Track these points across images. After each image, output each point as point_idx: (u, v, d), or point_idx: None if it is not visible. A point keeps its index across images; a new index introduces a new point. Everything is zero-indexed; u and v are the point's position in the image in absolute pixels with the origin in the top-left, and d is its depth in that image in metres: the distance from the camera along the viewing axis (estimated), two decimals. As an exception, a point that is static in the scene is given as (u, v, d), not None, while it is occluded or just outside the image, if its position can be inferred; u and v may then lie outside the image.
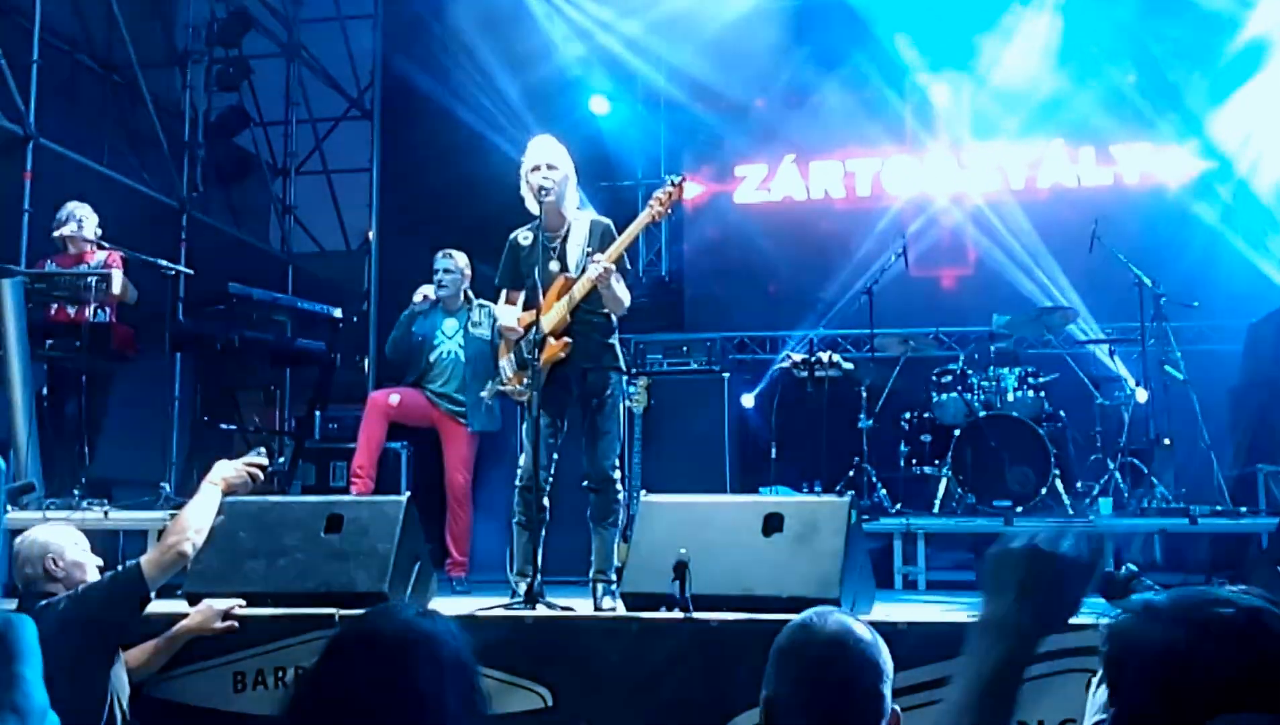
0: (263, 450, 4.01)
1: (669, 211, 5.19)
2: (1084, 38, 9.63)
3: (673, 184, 5.14)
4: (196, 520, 3.74)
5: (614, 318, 5.22)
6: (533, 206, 5.19)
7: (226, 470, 3.86)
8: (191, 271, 7.73)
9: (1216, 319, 8.82)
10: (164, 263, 6.87)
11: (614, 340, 5.24)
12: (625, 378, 5.37)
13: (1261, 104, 9.31)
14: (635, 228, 5.16)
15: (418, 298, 6.76)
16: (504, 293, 5.38)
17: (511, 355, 5.26)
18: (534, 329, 5.01)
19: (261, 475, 3.89)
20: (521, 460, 5.10)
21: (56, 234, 6.74)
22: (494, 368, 5.56)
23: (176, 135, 10.34)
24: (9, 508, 4.92)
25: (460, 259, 6.76)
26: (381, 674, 1.67)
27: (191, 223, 10.12)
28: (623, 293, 5.14)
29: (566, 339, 5.06)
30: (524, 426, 5.15)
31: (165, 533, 3.82)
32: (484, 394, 5.68)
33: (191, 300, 8.32)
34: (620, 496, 5.20)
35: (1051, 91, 10.01)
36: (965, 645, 1.72)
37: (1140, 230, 9.13)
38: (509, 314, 5.29)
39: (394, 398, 6.68)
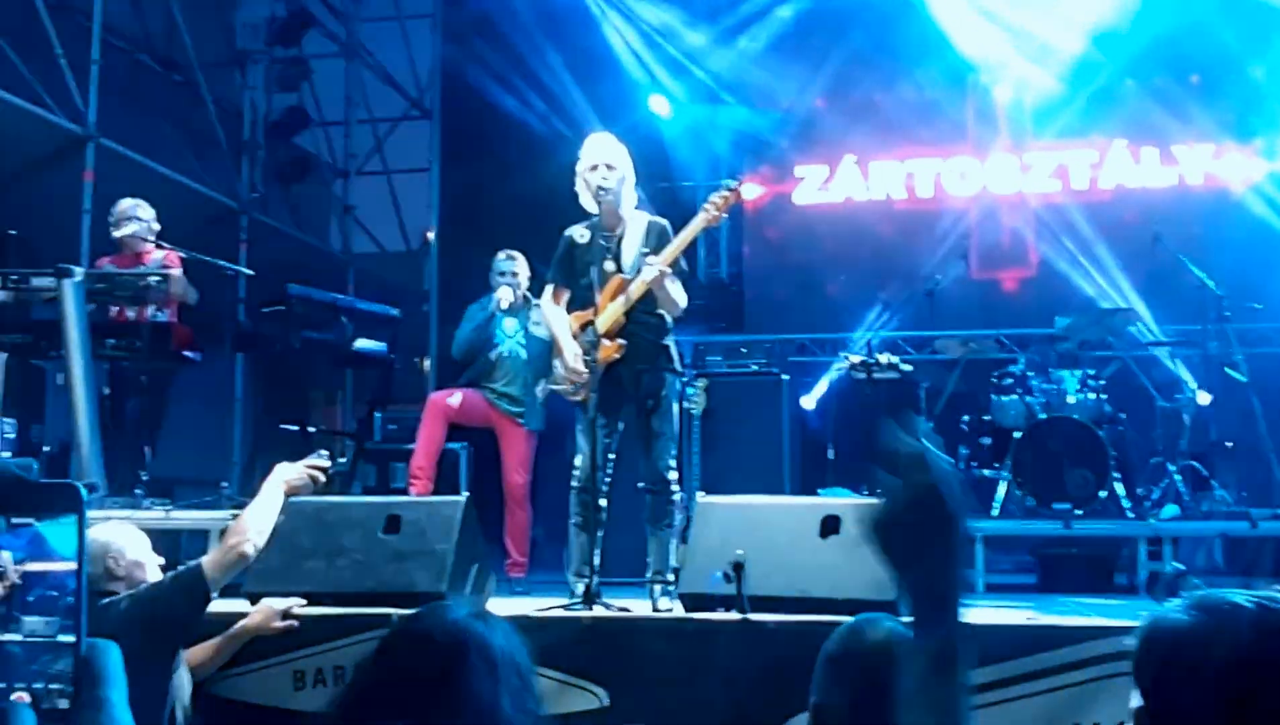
0: (324, 453, 4.02)
1: (725, 215, 5.15)
2: (1148, 37, 9.45)
3: (729, 188, 5.11)
4: (258, 522, 3.76)
5: (669, 319, 5.20)
6: (589, 205, 5.17)
7: (288, 472, 3.88)
8: (252, 272, 7.81)
9: (1279, 321, 8.63)
10: (224, 263, 6.95)
11: (669, 341, 5.22)
12: (680, 379, 5.33)
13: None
14: (691, 230, 5.13)
15: (503, 303, 6.69)
16: (550, 288, 5.36)
17: (569, 355, 5.24)
18: (589, 329, 5.00)
19: (323, 477, 3.91)
20: (578, 461, 5.08)
21: (116, 234, 6.83)
22: (549, 367, 5.56)
23: (236, 135, 10.47)
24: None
25: (521, 260, 6.77)
26: (433, 673, 1.66)
27: (252, 223, 10.24)
28: (678, 295, 5.11)
29: (621, 341, 5.04)
30: (579, 427, 5.14)
31: (227, 534, 3.85)
32: (537, 392, 5.68)
33: (252, 301, 8.41)
34: (677, 498, 5.17)
35: (1114, 91, 9.87)
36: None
37: (1203, 232, 8.98)
38: (559, 315, 5.27)
39: (454, 399, 6.68)
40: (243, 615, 4.18)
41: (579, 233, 5.26)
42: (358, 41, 11.83)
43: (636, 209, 5.32)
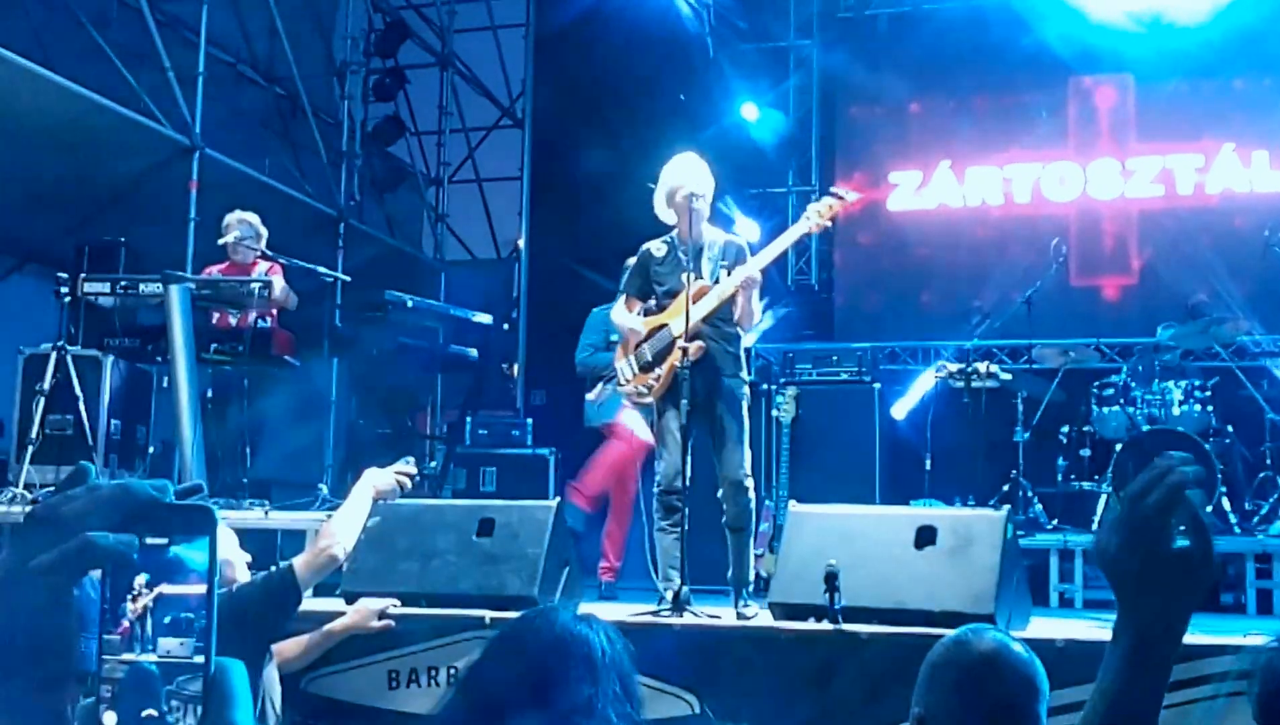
0: (411, 459, 4.05)
1: (829, 224, 5.14)
2: (1256, 37, 9.15)
3: (837, 197, 5.10)
4: (346, 525, 3.80)
5: (741, 330, 5.20)
6: (667, 218, 5.26)
7: (376, 478, 3.92)
8: (349, 278, 7.94)
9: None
10: (322, 270, 7.08)
11: (740, 351, 5.24)
12: (745, 385, 5.31)
13: None
14: (789, 238, 5.14)
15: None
16: (623, 298, 5.39)
17: (633, 357, 5.24)
18: (663, 331, 5.04)
19: (409, 483, 3.94)
20: (659, 466, 5.09)
21: (222, 242, 7.00)
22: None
23: (335, 145, 10.68)
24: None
25: None
26: (537, 675, 1.67)
27: (348, 230, 10.43)
28: (757, 307, 5.16)
29: (700, 343, 5.04)
30: (660, 432, 5.14)
31: (318, 537, 3.90)
32: (590, 397, 5.66)
33: (348, 307, 8.56)
34: (753, 503, 5.15)
35: (1222, 93, 9.58)
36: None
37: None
38: (632, 319, 5.29)
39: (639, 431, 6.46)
40: (339, 614, 4.24)
41: (656, 246, 5.31)
42: (452, 52, 12.00)
43: (713, 223, 5.34)
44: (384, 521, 4.37)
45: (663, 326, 5.13)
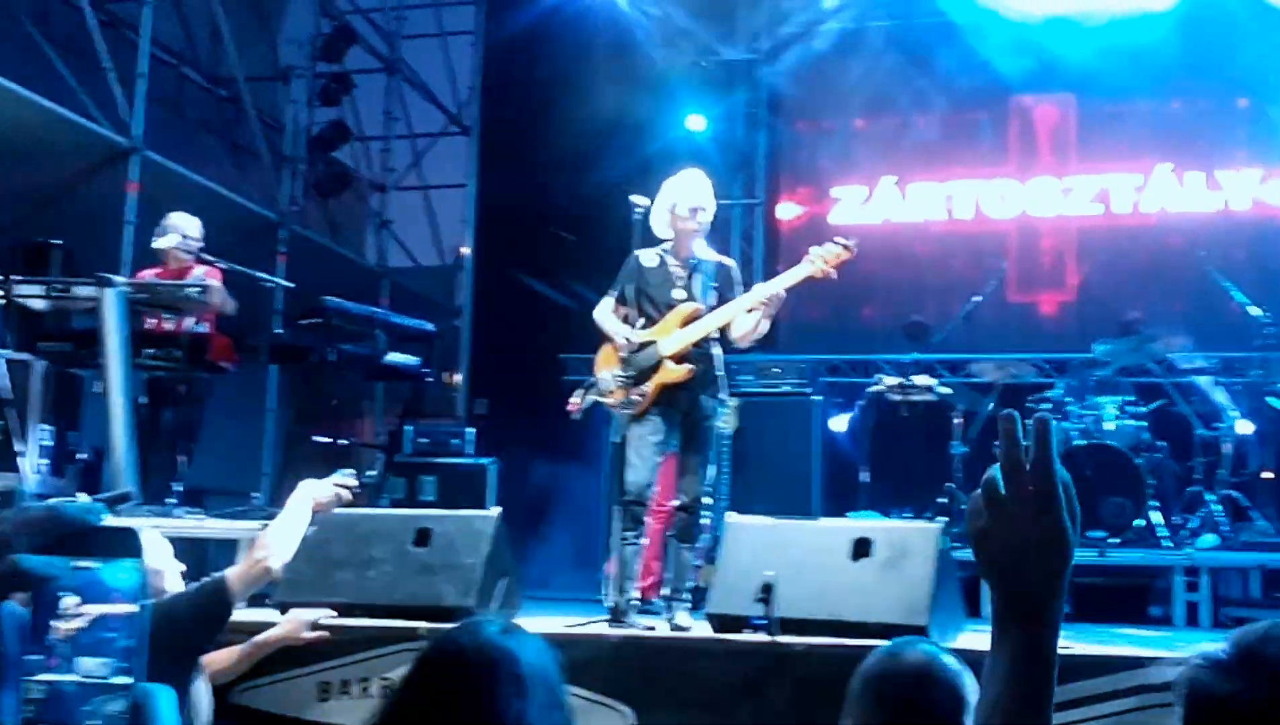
0: (352, 470, 4.01)
1: (834, 273, 5.21)
2: (1194, 60, 9.35)
3: (844, 247, 5.17)
4: (282, 537, 3.75)
5: (720, 351, 5.25)
6: (663, 232, 5.29)
7: (314, 489, 3.87)
8: (290, 284, 7.86)
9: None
10: (261, 275, 7.00)
11: (721, 371, 5.28)
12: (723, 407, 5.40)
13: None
14: (792, 278, 5.20)
15: None
16: (610, 301, 5.36)
17: (617, 369, 5.23)
18: (650, 349, 5.06)
19: (348, 494, 3.89)
20: (629, 476, 5.10)
21: (156, 245, 6.90)
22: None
23: (278, 149, 10.57)
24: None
25: None
26: (464, 691, 1.66)
27: (290, 236, 10.33)
28: (763, 328, 5.18)
29: (690, 366, 5.08)
30: (631, 444, 5.15)
31: (252, 548, 3.85)
32: (574, 401, 5.61)
33: (289, 313, 8.47)
34: (704, 520, 5.20)
35: (1159, 115, 9.77)
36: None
37: (1248, 258, 8.85)
38: (619, 324, 5.28)
39: None
40: (271, 624, 4.19)
41: (647, 256, 5.31)
42: (399, 58, 11.93)
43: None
44: (319, 530, 4.32)
45: (651, 343, 5.15)
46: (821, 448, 7.63)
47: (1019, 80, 9.87)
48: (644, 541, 5.12)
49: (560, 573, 7.09)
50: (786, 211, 10.89)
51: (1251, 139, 9.55)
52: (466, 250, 11.90)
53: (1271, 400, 7.24)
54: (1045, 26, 9.61)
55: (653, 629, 4.74)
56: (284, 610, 4.28)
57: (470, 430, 8.19)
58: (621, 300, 5.33)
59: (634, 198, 5.27)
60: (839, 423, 8.60)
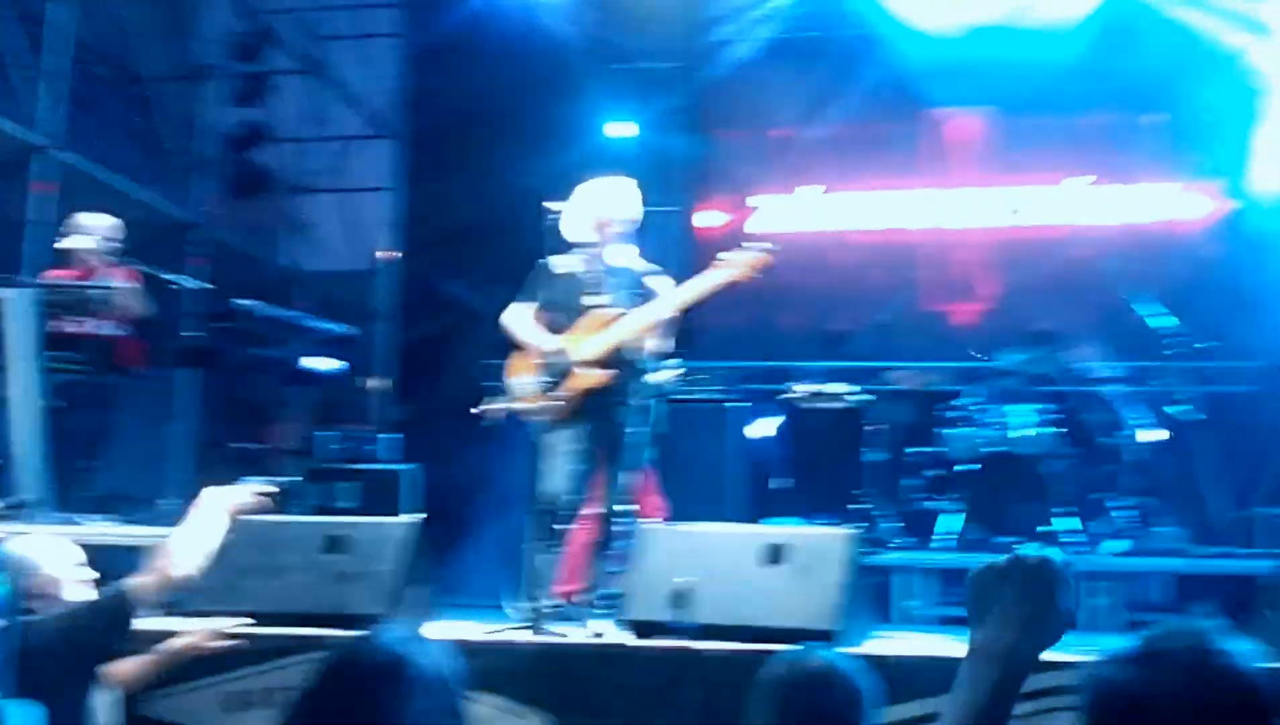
0: (273, 479, 3.96)
1: (757, 276, 5.24)
2: (1103, 76, 9.59)
3: (763, 251, 5.21)
4: (188, 545, 3.69)
5: (644, 355, 5.26)
6: (583, 236, 5.24)
7: (227, 496, 3.81)
8: (201, 286, 7.73)
9: (1229, 361, 8.75)
10: (173, 277, 6.87)
11: (638, 378, 5.29)
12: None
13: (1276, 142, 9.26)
14: (710, 283, 5.20)
15: None
16: (523, 307, 5.33)
17: (534, 377, 5.21)
18: (578, 356, 5.09)
19: (270, 502, 3.84)
20: (541, 484, 5.09)
21: (61, 245, 6.74)
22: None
23: (192, 149, 10.38)
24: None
25: None
26: (359, 699, 1.66)
27: (204, 238, 10.14)
28: (663, 341, 5.25)
29: (606, 372, 5.08)
30: (548, 450, 5.14)
31: (157, 556, 3.77)
32: (481, 407, 5.56)
33: (199, 316, 8.33)
34: (622, 527, 5.20)
35: (1070, 129, 10.00)
36: (955, 678, 1.65)
37: (1157, 270, 9.09)
38: (533, 330, 5.26)
39: None
40: (177, 633, 4.11)
41: (561, 262, 5.29)
42: (320, 59, 11.77)
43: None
44: (230, 537, 4.25)
45: (565, 349, 5.13)
46: (739, 454, 7.69)
47: (936, 93, 10.05)
48: (561, 549, 5.11)
49: (483, 579, 7.04)
50: (706, 220, 10.96)
51: (1160, 154, 9.82)
52: (388, 254, 11.78)
53: (1172, 409, 7.46)
54: (962, 41, 9.80)
55: (567, 636, 4.75)
56: (192, 619, 4.20)
57: (390, 436, 8.12)
58: (537, 306, 5.32)
59: (547, 204, 5.27)
60: (757, 429, 8.68)
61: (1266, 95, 8.94)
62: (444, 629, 4.65)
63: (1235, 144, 9.28)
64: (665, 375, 6.30)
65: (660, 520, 6.19)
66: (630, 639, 4.42)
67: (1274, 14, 8.73)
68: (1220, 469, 7.57)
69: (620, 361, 5.16)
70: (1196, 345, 7.75)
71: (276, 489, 3.93)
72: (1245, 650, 1.44)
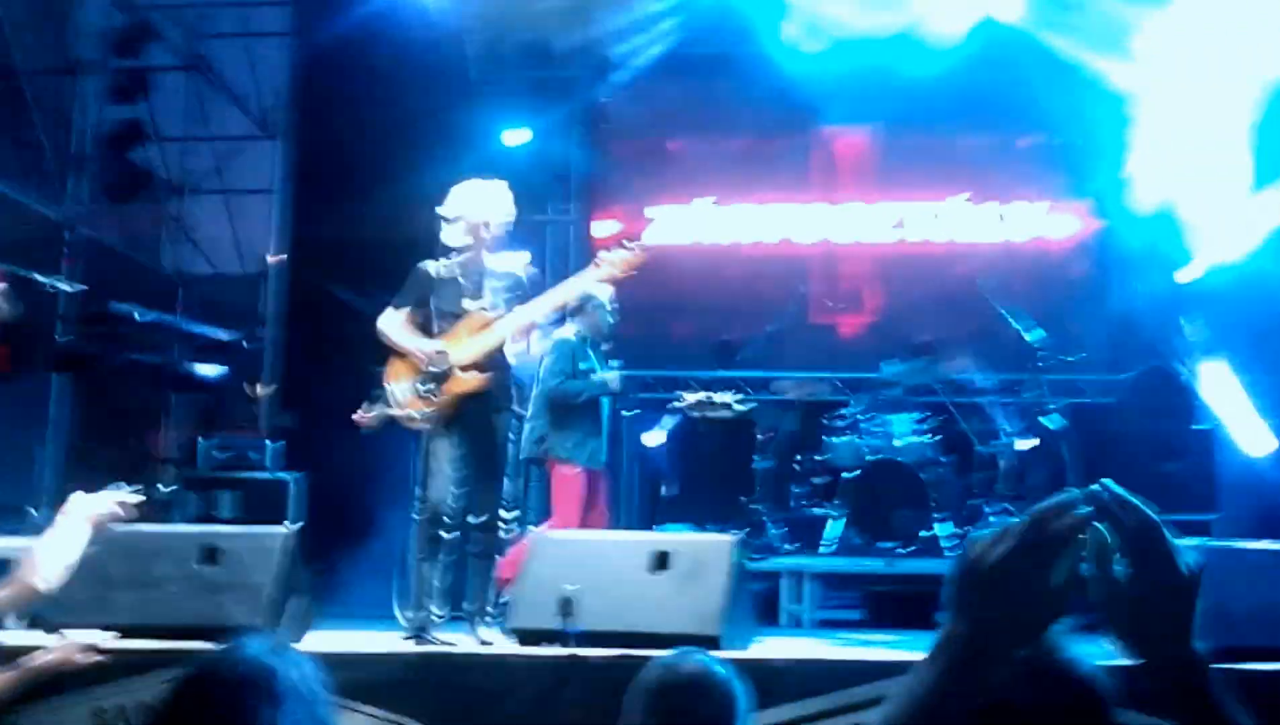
0: (137, 487, 3.81)
1: (631, 275, 5.25)
2: (981, 97, 9.85)
3: (640, 251, 5.22)
4: (50, 556, 3.54)
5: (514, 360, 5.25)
6: (457, 241, 5.21)
7: (89, 505, 3.65)
8: (74, 289, 7.47)
9: (1093, 373, 9.09)
10: (42, 278, 6.62)
11: (511, 382, 5.28)
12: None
13: (1144, 165, 9.63)
14: (579, 282, 5.21)
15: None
16: (398, 313, 5.27)
17: (413, 381, 5.16)
18: (454, 360, 5.04)
19: (122, 511, 3.68)
20: (425, 492, 5.03)
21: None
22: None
23: (65, 147, 10.04)
24: None
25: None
26: (218, 711, 1.61)
27: (78, 240, 9.80)
28: (533, 342, 5.27)
29: (482, 375, 5.04)
30: (428, 458, 5.08)
31: (17, 567, 3.62)
32: (360, 414, 5.44)
33: (72, 319, 8.05)
34: (504, 533, 5.19)
35: (951, 149, 10.26)
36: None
37: (1028, 286, 9.39)
38: (409, 335, 5.21)
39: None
40: (40, 648, 3.96)
41: (435, 267, 5.25)
42: (202, 57, 11.48)
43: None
44: (98, 548, 4.11)
45: (443, 352, 5.09)
46: (633, 462, 7.74)
47: (823, 111, 10.24)
48: (443, 557, 5.04)
49: (369, 589, 6.95)
50: (602, 229, 10.98)
51: (1035, 175, 10.15)
52: (273, 258, 11.53)
53: (1044, 419, 7.73)
54: (850, 60, 10.00)
55: (454, 645, 4.71)
56: (57, 633, 4.06)
57: (273, 444, 7.95)
58: (413, 311, 5.27)
59: (440, 210, 5.25)
60: (650, 438, 8.73)
61: (1135, 118, 9.29)
62: (327, 639, 4.58)
63: (1106, 165, 9.64)
64: (612, 376, 6.33)
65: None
66: (514, 647, 4.40)
67: (1143, 43, 9.07)
68: (1087, 474, 7.82)
69: (497, 365, 5.14)
70: (1066, 358, 8.06)
71: (141, 497, 3.77)
72: (1084, 649, 1.48)
